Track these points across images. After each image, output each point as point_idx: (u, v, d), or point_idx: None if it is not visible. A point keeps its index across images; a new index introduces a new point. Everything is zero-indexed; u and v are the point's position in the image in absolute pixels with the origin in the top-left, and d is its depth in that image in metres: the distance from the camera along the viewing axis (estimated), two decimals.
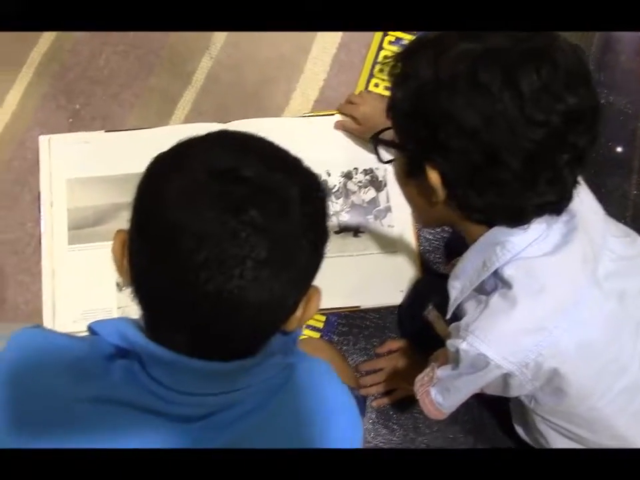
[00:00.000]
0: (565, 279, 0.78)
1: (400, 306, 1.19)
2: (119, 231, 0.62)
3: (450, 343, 0.81)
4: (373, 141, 0.88)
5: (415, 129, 0.76)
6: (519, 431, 1.03)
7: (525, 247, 0.76)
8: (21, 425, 0.63)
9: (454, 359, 0.81)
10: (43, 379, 0.63)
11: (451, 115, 0.70)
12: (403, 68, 0.76)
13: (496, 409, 1.10)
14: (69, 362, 0.63)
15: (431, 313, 1.13)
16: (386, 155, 0.87)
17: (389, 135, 0.83)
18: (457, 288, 0.84)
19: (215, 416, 0.61)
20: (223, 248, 0.54)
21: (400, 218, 1.22)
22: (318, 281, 1.23)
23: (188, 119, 1.29)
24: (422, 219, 0.95)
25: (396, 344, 1.16)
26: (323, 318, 1.18)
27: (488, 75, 0.68)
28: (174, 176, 0.57)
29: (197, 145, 0.61)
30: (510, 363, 0.77)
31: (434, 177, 0.74)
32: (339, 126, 1.27)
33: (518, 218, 0.75)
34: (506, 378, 0.79)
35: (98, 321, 0.65)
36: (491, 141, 0.70)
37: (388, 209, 1.24)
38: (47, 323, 1.14)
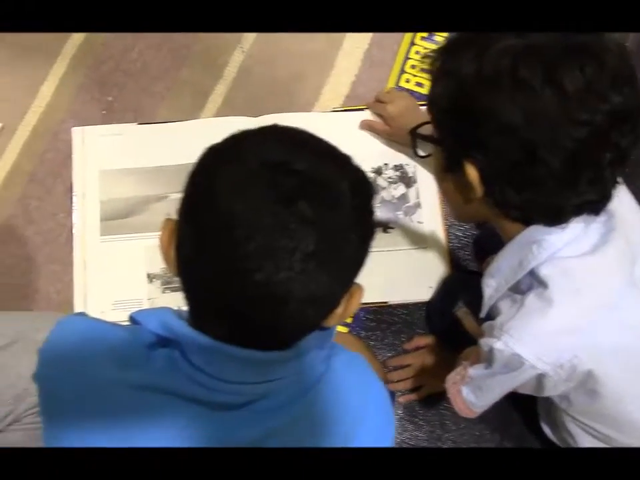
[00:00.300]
0: (602, 280, 0.77)
1: (428, 302, 1.18)
2: (167, 220, 0.62)
3: (484, 341, 0.81)
4: (411, 135, 0.88)
5: (454, 125, 0.76)
6: (546, 429, 1.03)
7: (562, 247, 0.76)
8: (64, 407, 0.65)
9: (487, 358, 0.81)
10: (87, 364, 0.65)
11: (491, 111, 0.70)
12: (444, 63, 0.76)
13: (523, 407, 1.09)
14: (111, 349, 0.65)
15: (460, 310, 1.13)
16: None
17: (426, 129, 0.84)
18: (491, 286, 0.84)
19: (253, 404, 0.62)
20: (273, 238, 0.54)
21: (429, 214, 1.23)
22: None
23: (219, 112, 1.30)
24: (458, 215, 0.95)
25: (424, 340, 1.16)
26: None
27: (529, 71, 0.68)
28: (227, 166, 0.58)
29: (251, 138, 0.61)
30: (545, 364, 0.76)
31: (472, 173, 0.74)
32: (365, 126, 1.27)
33: (556, 217, 0.75)
34: (540, 378, 0.78)
35: (139, 310, 0.66)
36: (531, 139, 0.69)
37: (417, 205, 1.24)
38: None
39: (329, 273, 0.57)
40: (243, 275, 0.55)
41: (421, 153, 0.88)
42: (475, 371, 0.85)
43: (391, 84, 1.32)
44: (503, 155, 0.72)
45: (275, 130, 0.63)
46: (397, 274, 1.20)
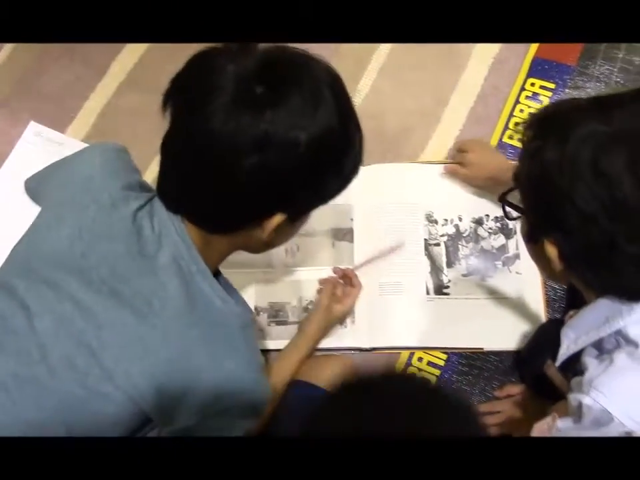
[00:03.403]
0: None
1: (518, 352, 1.20)
2: None
3: (572, 396, 0.81)
4: (500, 200, 0.92)
5: (536, 202, 0.80)
6: None
7: None
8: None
9: (575, 413, 0.81)
10: None
11: (570, 197, 0.73)
12: (529, 143, 0.79)
13: None
14: None
15: (551, 368, 1.14)
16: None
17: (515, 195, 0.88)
18: (570, 338, 0.86)
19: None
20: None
21: (528, 266, 1.23)
22: (446, 321, 1.28)
23: None
24: (544, 276, 0.98)
25: (515, 389, 1.18)
26: (445, 356, 1.22)
27: (609, 162, 0.70)
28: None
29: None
30: (634, 422, 0.76)
31: (551, 250, 0.78)
32: (448, 170, 1.32)
33: (636, 297, 0.77)
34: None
35: None
36: (609, 227, 0.72)
37: (516, 256, 1.27)
38: None
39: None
40: None
41: (513, 215, 0.91)
42: (563, 423, 0.84)
43: (494, 139, 1.37)
44: (582, 239, 0.74)
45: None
46: (493, 322, 1.23)
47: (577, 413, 0.81)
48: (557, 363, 0.89)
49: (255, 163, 0.72)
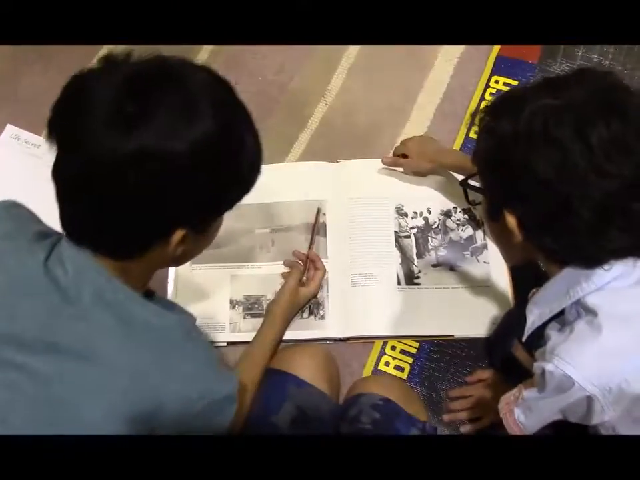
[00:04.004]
0: None
1: (487, 338, 1.24)
2: None
3: (536, 365, 0.85)
4: (461, 185, 0.98)
5: (494, 177, 0.85)
6: None
7: (610, 280, 0.81)
8: None
9: (539, 382, 0.85)
10: None
11: (526, 166, 0.78)
12: (488, 121, 0.85)
13: None
14: None
15: (518, 349, 1.17)
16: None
17: (476, 179, 0.92)
18: (534, 313, 0.90)
19: None
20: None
21: (495, 255, 1.28)
22: (417, 310, 1.31)
23: (302, 157, 1.43)
24: (507, 257, 1.02)
25: (485, 374, 1.21)
26: (417, 344, 1.25)
27: (559, 128, 0.76)
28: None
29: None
30: (593, 386, 0.79)
31: (511, 221, 0.83)
32: (388, 162, 1.37)
33: (593, 262, 0.81)
34: (589, 402, 0.81)
35: None
36: (563, 191, 0.76)
37: (484, 247, 1.31)
38: None
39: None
40: None
41: (476, 201, 0.97)
42: (528, 393, 0.89)
43: (461, 134, 1.42)
44: (539, 206, 0.79)
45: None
46: (463, 310, 1.27)
47: (541, 381, 0.84)
48: (524, 338, 0.92)
49: (137, 180, 0.71)
